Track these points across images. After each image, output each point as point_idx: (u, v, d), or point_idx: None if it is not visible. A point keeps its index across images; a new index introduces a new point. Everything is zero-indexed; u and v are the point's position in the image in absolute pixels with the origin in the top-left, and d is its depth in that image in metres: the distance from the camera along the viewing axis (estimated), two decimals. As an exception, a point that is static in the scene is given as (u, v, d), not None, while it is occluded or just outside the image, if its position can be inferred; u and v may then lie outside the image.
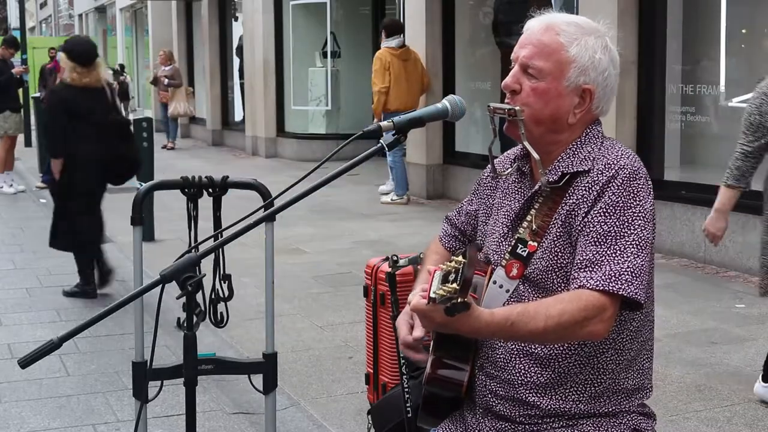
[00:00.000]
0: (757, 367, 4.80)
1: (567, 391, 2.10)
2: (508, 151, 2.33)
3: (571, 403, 2.11)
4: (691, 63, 7.90)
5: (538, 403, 2.11)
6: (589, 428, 2.10)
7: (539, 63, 2.09)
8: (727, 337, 5.29)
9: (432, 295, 1.80)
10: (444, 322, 1.87)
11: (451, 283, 1.77)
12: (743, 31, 7.85)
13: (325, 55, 15.49)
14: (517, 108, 2.11)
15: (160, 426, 4.26)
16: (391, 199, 10.65)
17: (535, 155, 2.13)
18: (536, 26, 2.14)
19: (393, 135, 2.15)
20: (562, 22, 2.13)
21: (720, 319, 5.67)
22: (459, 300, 1.76)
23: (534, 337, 1.99)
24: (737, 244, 6.84)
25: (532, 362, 2.11)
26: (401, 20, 11.57)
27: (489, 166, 2.34)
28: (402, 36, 10.59)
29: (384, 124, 2.12)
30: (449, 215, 2.49)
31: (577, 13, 8.43)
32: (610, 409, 2.13)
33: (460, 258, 1.81)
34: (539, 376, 2.10)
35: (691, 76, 7.79)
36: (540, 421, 2.12)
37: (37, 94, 15.35)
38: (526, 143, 2.14)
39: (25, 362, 1.98)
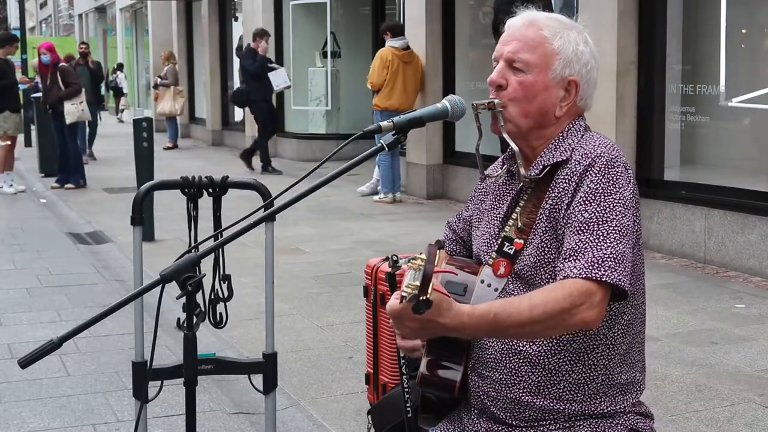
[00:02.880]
0: (757, 367, 4.80)
1: (560, 390, 2.10)
2: (501, 157, 2.35)
3: (565, 402, 2.10)
4: (691, 63, 7.89)
5: (532, 402, 2.10)
6: (586, 430, 2.10)
7: (525, 56, 2.13)
8: (727, 337, 5.29)
9: (402, 293, 1.79)
10: (418, 322, 1.85)
11: (415, 281, 1.75)
12: (743, 31, 7.85)
13: (325, 55, 15.49)
14: (496, 101, 2.15)
15: (160, 426, 4.26)
16: (379, 198, 10.70)
17: (514, 146, 2.15)
18: (518, 23, 2.18)
19: (393, 135, 2.15)
20: (544, 18, 2.18)
21: (720, 319, 5.66)
22: (421, 297, 1.74)
23: (521, 329, 1.94)
24: (737, 244, 6.84)
25: (522, 361, 2.10)
26: (401, 20, 11.58)
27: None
28: (406, 38, 10.64)
29: (384, 124, 2.13)
30: (450, 221, 2.52)
31: (576, 14, 8.42)
32: (607, 410, 2.12)
33: (423, 256, 1.78)
34: (530, 374, 2.10)
35: (691, 76, 7.78)
36: (536, 423, 2.12)
37: (39, 94, 15.25)
38: (505, 135, 2.16)
39: (25, 362, 1.97)
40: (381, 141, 2.14)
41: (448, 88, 10.79)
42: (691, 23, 7.88)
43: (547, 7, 7.17)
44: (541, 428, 2.11)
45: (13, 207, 11.28)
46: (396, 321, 1.91)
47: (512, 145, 2.16)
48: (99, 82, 17.76)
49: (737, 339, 5.25)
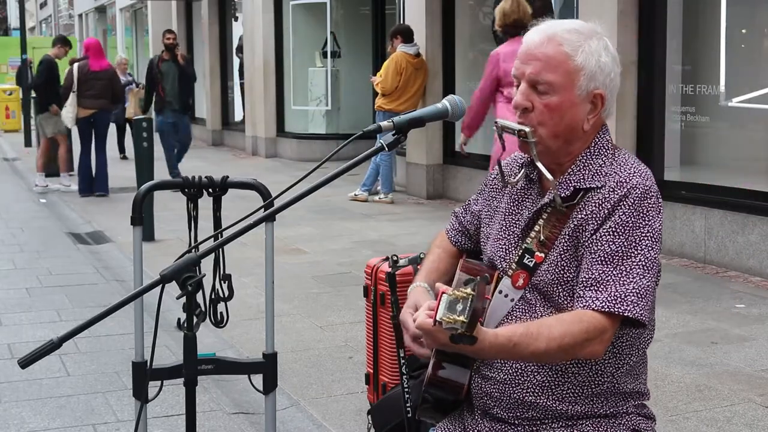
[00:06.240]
0: (757, 367, 4.80)
1: (565, 391, 2.10)
2: (515, 155, 2.32)
3: (568, 403, 2.10)
4: (691, 63, 7.89)
5: (536, 402, 2.10)
6: (588, 429, 2.10)
7: (549, 77, 2.06)
8: (727, 337, 5.29)
9: (438, 318, 1.81)
10: (447, 343, 1.87)
11: (459, 314, 1.78)
12: (743, 31, 7.85)
13: (325, 55, 15.49)
14: (527, 130, 2.09)
15: (160, 426, 4.26)
16: (379, 198, 10.77)
17: (549, 176, 2.10)
18: (536, 39, 2.10)
19: (393, 135, 2.15)
20: (562, 31, 2.10)
21: (720, 319, 5.66)
22: (466, 333, 1.78)
23: (535, 357, 2.01)
24: (737, 244, 6.84)
25: (528, 361, 2.11)
26: (401, 21, 11.60)
27: (497, 172, 2.33)
28: (417, 45, 10.69)
29: (384, 124, 2.13)
30: (456, 211, 2.48)
31: (576, 13, 8.42)
32: (609, 411, 2.13)
33: (469, 290, 1.80)
34: (536, 374, 2.10)
35: (691, 76, 7.78)
36: (538, 422, 2.12)
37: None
38: (539, 164, 2.12)
39: (25, 362, 1.98)
40: (381, 141, 2.13)
41: (448, 88, 10.79)
42: (691, 23, 7.88)
43: (547, 7, 7.18)
44: (544, 426, 2.11)
45: (13, 207, 11.29)
46: (422, 332, 1.94)
47: (546, 174, 2.11)
48: (189, 84, 13.00)
49: (737, 339, 5.25)
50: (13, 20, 44.25)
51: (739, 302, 6.03)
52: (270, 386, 3.13)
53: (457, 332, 1.78)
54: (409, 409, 2.48)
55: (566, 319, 2.00)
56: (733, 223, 6.91)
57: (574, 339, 1.96)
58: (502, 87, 6.44)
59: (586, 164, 2.13)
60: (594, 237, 2.04)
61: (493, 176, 2.36)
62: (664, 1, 7.61)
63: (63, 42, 12.88)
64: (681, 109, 7.79)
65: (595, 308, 1.99)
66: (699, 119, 7.72)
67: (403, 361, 2.60)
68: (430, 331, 1.89)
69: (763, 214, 6.69)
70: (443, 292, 1.85)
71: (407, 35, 10.68)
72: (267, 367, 3.12)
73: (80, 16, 37.86)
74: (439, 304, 1.85)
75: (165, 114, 12.50)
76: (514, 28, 6.47)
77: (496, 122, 2.18)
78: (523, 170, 2.25)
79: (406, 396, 2.51)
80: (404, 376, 2.58)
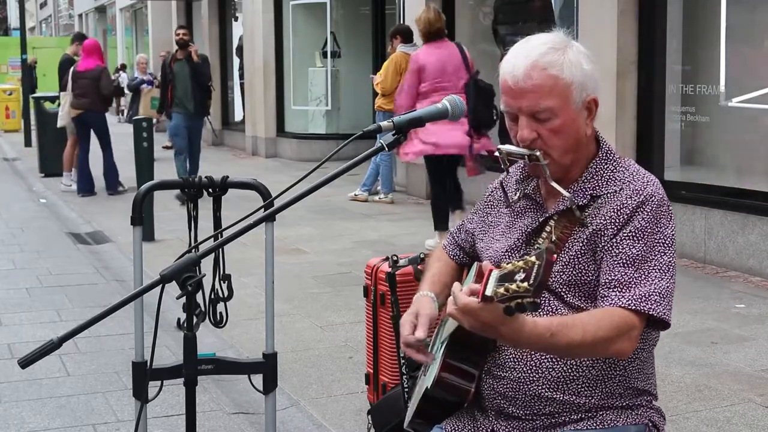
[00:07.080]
0: (757, 367, 4.80)
1: (580, 386, 2.13)
2: (512, 170, 2.34)
3: (585, 397, 2.14)
4: (691, 63, 7.88)
5: (553, 397, 2.13)
6: (609, 418, 2.14)
7: (546, 103, 2.10)
8: (727, 337, 5.29)
9: (489, 293, 1.76)
10: (492, 322, 1.86)
11: (522, 282, 1.73)
12: (743, 31, 7.84)
13: (325, 55, 15.49)
14: (537, 153, 2.13)
15: (160, 426, 4.26)
16: (379, 198, 10.80)
17: (565, 193, 2.16)
18: (520, 72, 2.10)
19: (393, 135, 2.16)
20: (539, 55, 2.10)
21: (720, 319, 5.66)
22: (530, 300, 1.72)
23: (567, 349, 2.02)
24: (737, 244, 6.84)
25: (543, 357, 2.13)
26: (402, 21, 11.59)
27: (491, 191, 2.39)
28: (417, 45, 10.68)
29: (384, 124, 2.13)
30: (452, 230, 2.53)
31: (576, 13, 8.42)
32: (625, 403, 2.17)
33: (533, 259, 1.75)
34: (551, 370, 2.13)
35: (691, 76, 7.78)
36: (557, 415, 2.14)
37: (41, 95, 15.17)
38: (553, 183, 2.16)
39: (25, 362, 1.98)
40: (381, 141, 2.14)
41: (448, 88, 10.77)
42: (691, 23, 7.87)
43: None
44: (563, 418, 2.14)
45: (13, 207, 11.29)
46: (461, 313, 1.90)
47: (563, 192, 2.15)
48: (203, 84, 11.64)
49: (737, 339, 5.25)
50: (13, 20, 44.27)
51: (739, 302, 6.03)
52: (270, 386, 3.13)
53: (516, 302, 1.71)
54: (409, 409, 2.48)
55: (597, 315, 2.05)
56: (733, 223, 6.91)
57: (605, 333, 2.00)
58: (421, 83, 7.56)
59: (597, 171, 2.19)
60: (614, 241, 2.10)
61: (487, 194, 2.41)
62: (664, 1, 7.61)
63: (81, 39, 12.91)
64: (681, 109, 7.78)
65: (622, 305, 2.04)
66: (699, 119, 7.72)
67: (403, 361, 2.61)
68: (474, 309, 1.86)
69: (763, 214, 6.69)
70: (491, 270, 1.83)
71: (407, 35, 10.67)
72: (267, 367, 3.12)
73: (80, 16, 37.87)
74: (487, 281, 1.80)
75: (176, 117, 11.70)
76: (437, 35, 7.71)
77: (499, 149, 2.20)
78: (520, 188, 2.29)
79: (406, 396, 2.51)
80: (404, 376, 2.58)
